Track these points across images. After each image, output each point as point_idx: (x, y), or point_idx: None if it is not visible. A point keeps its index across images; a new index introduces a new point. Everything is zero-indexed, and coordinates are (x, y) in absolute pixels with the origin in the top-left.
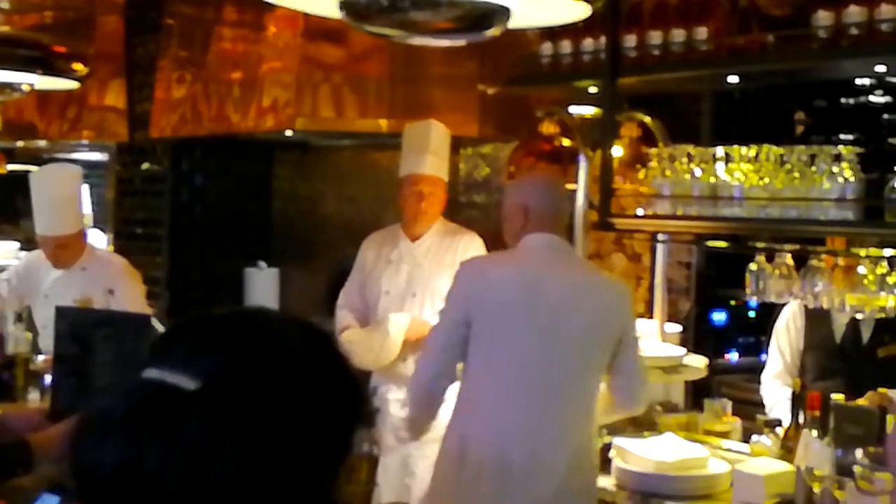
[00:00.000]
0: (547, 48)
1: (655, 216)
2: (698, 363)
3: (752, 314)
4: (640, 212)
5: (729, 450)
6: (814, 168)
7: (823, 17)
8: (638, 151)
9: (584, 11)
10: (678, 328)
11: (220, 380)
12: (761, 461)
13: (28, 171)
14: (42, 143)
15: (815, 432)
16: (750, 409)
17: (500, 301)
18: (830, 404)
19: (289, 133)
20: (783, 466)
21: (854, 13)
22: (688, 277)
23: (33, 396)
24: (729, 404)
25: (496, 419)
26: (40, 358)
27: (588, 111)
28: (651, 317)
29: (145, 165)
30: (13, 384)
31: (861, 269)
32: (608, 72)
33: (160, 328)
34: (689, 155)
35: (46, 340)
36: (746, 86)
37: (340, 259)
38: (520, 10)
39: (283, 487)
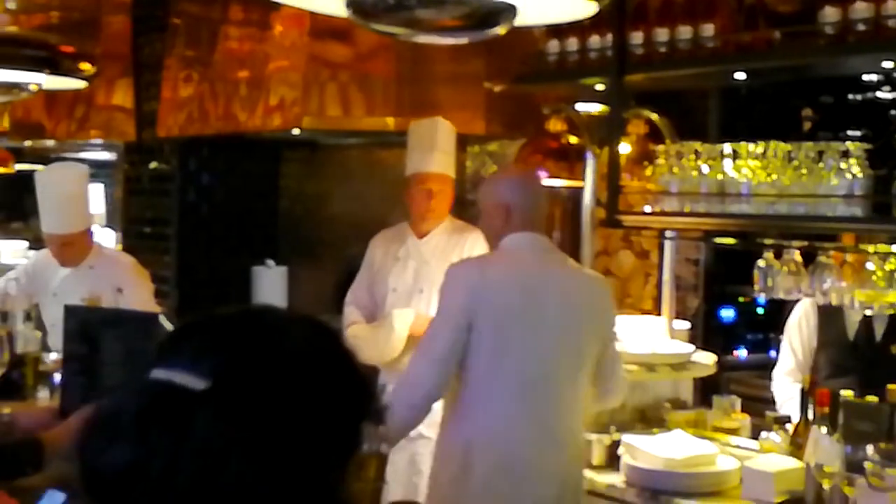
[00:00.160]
0: (553, 45)
1: (663, 213)
2: (707, 360)
3: (760, 311)
4: (647, 209)
5: (738, 446)
6: (821, 164)
7: (830, 14)
8: (645, 148)
9: (591, 9)
10: (686, 325)
11: (229, 379)
12: (770, 458)
13: (35, 172)
14: (50, 142)
15: (824, 429)
16: (759, 406)
17: (502, 304)
18: (840, 401)
19: (296, 132)
20: (792, 463)
21: (861, 9)
22: (696, 274)
23: (43, 395)
24: (738, 401)
25: (503, 423)
26: (50, 357)
27: (595, 108)
28: (659, 314)
29: (153, 165)
30: (23, 383)
31: (870, 266)
32: (615, 69)
33: (169, 327)
34: (696, 152)
35: (55, 339)
36: (753, 82)
37: (349, 257)
38: (526, 7)
39: (292, 486)
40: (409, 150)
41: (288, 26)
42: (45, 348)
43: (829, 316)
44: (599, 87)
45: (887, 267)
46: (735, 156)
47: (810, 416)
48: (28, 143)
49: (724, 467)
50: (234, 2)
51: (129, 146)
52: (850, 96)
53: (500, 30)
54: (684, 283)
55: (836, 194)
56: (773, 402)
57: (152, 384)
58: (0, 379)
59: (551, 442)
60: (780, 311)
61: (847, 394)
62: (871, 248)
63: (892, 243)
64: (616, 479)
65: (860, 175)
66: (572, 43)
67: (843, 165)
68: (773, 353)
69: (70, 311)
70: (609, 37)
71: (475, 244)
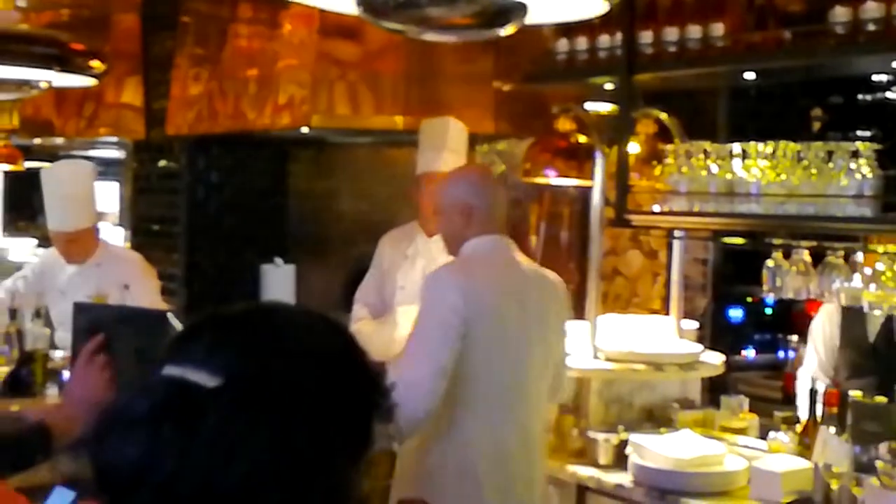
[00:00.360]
0: (563, 45)
1: (672, 213)
2: (715, 360)
3: (768, 311)
4: (656, 208)
5: (746, 446)
6: (831, 165)
7: (840, 13)
8: (654, 148)
9: (602, 7)
10: (695, 325)
11: (241, 376)
12: (779, 458)
13: (42, 168)
14: (59, 140)
15: (832, 429)
16: (767, 406)
17: (492, 308)
18: (848, 401)
19: (304, 130)
20: (801, 463)
21: (871, 9)
22: (704, 274)
23: (51, 392)
24: (746, 401)
25: (496, 427)
26: (58, 354)
27: (604, 108)
28: (667, 314)
29: (162, 163)
30: (31, 380)
31: (879, 266)
32: (624, 68)
33: (178, 325)
34: (705, 151)
35: (63, 336)
36: (763, 82)
37: (357, 256)
38: (536, 6)
39: (304, 483)
40: (420, 149)
41: (297, 25)
42: (54, 346)
43: (852, 317)
44: (609, 86)
45: None
46: (744, 156)
47: (819, 416)
48: (37, 140)
49: (732, 467)
50: (243, 0)
51: (138, 144)
52: (860, 96)
53: (510, 28)
54: (693, 282)
55: (845, 194)
56: (783, 402)
57: (164, 381)
58: (9, 376)
59: (532, 446)
60: (788, 311)
61: (856, 394)
62: (880, 249)
63: None
64: (624, 478)
65: (870, 175)
66: (581, 42)
67: (852, 166)
68: (781, 354)
69: (79, 308)
70: (618, 36)
71: None
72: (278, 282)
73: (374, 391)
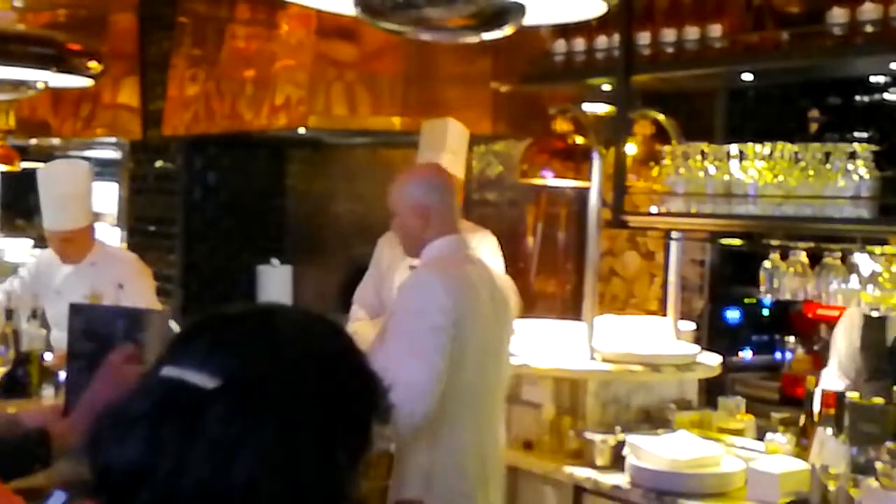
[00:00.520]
0: (560, 46)
1: (669, 214)
2: (712, 361)
3: (766, 312)
4: (653, 209)
5: (743, 447)
6: (828, 166)
7: (838, 15)
8: (651, 149)
9: (600, 8)
10: (692, 326)
11: (239, 377)
12: (776, 459)
13: (38, 168)
14: (56, 140)
15: (830, 430)
16: (764, 407)
17: (475, 308)
18: (845, 402)
19: (302, 131)
20: (798, 464)
21: (869, 10)
22: (701, 275)
23: (48, 393)
24: (743, 402)
25: (482, 426)
26: (46, 356)
27: (601, 109)
28: (665, 315)
29: (158, 163)
30: (28, 381)
31: (877, 267)
32: (622, 69)
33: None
34: (702, 153)
35: (59, 337)
36: (760, 83)
37: (354, 257)
38: (534, 7)
39: (303, 484)
40: (419, 149)
41: (294, 25)
42: (49, 347)
43: (873, 321)
44: (606, 87)
45: (894, 268)
46: (741, 157)
47: (816, 417)
48: (34, 141)
49: (730, 468)
50: (240, 1)
51: (134, 145)
52: (858, 97)
53: (508, 29)
54: (690, 284)
55: (842, 196)
56: (781, 403)
57: (163, 382)
58: (5, 377)
59: (502, 442)
60: (785, 312)
61: (853, 395)
62: (878, 250)
63: None
64: (621, 479)
65: (867, 176)
66: (579, 43)
67: (850, 167)
68: (778, 355)
69: (75, 309)
70: (616, 37)
71: (481, 244)
72: (275, 282)
73: (372, 392)
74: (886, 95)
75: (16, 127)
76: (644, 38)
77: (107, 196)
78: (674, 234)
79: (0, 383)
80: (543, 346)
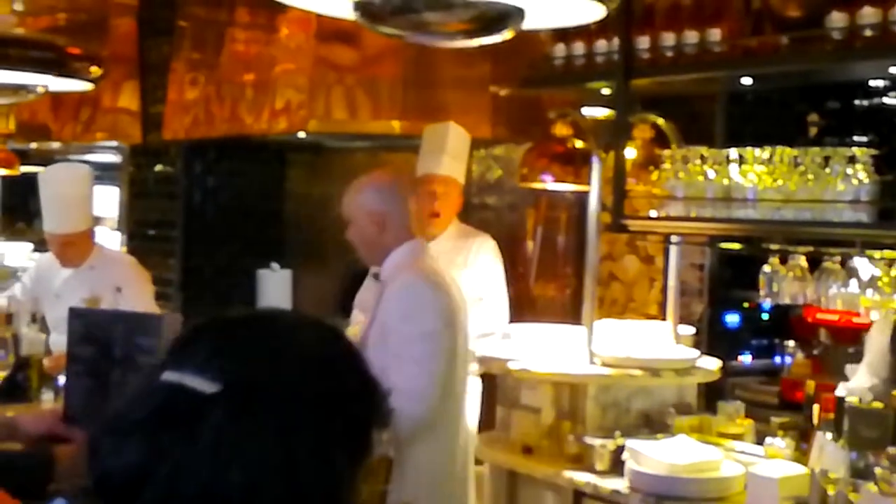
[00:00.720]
0: (559, 49)
1: (668, 218)
2: (711, 365)
3: (765, 316)
4: (653, 213)
5: (742, 452)
6: (828, 170)
7: (837, 19)
8: (651, 153)
9: (599, 12)
10: (691, 330)
11: (239, 382)
12: (775, 464)
13: (39, 171)
14: (56, 144)
15: (829, 435)
16: (764, 412)
17: (458, 312)
18: (845, 407)
19: (302, 135)
20: (797, 469)
21: (868, 14)
22: (701, 279)
23: (47, 397)
24: (742, 406)
25: (465, 426)
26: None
27: (601, 113)
28: (664, 319)
29: (158, 167)
30: (27, 385)
31: (876, 272)
32: (621, 73)
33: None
34: (702, 157)
35: (58, 340)
36: (760, 87)
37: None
38: (533, 11)
39: (303, 489)
40: (420, 152)
41: (294, 29)
42: (49, 350)
43: None
44: (606, 91)
45: (893, 273)
46: (741, 161)
47: (815, 421)
48: (34, 145)
49: (729, 473)
50: (240, 4)
51: (134, 148)
52: (857, 102)
53: (507, 33)
54: (689, 288)
55: (842, 200)
56: (780, 407)
57: (163, 387)
58: (5, 381)
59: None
60: (785, 316)
61: (852, 399)
62: (877, 254)
63: None
64: (620, 484)
65: (866, 181)
66: (578, 47)
67: (849, 171)
68: (777, 359)
69: (74, 313)
70: (615, 41)
71: (481, 248)
72: (275, 286)
73: (371, 396)
74: (886, 99)
75: (16, 131)
76: (643, 42)
77: (107, 200)
78: (673, 238)
79: (0, 388)
80: (543, 350)
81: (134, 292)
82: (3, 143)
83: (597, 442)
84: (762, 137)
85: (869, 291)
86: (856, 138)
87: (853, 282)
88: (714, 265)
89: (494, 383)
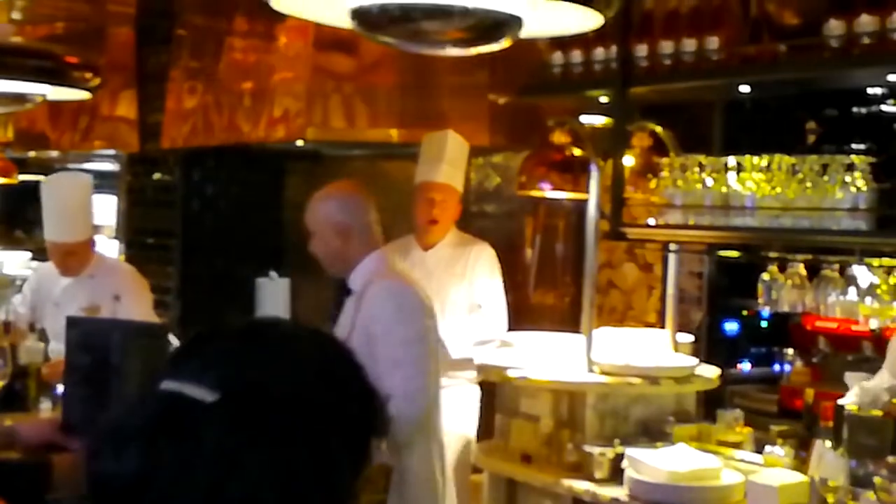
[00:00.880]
0: (558, 58)
1: (667, 226)
2: (710, 373)
3: (764, 324)
4: (651, 221)
5: (742, 460)
6: (826, 178)
7: (835, 27)
8: (649, 161)
9: (597, 21)
10: (690, 338)
11: (238, 391)
12: (775, 472)
13: (39, 182)
14: (54, 153)
15: (828, 443)
16: (763, 420)
17: (435, 317)
18: (844, 415)
19: (300, 143)
20: (797, 477)
21: (866, 22)
22: (700, 287)
23: (45, 406)
24: (741, 415)
25: (438, 432)
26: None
27: (599, 121)
28: (663, 327)
29: (157, 175)
30: (25, 394)
31: (875, 279)
32: (619, 81)
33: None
34: (700, 165)
35: (57, 349)
36: (758, 95)
37: None
38: (531, 19)
39: (301, 496)
40: (419, 161)
41: (292, 38)
42: (48, 359)
43: None
44: (604, 99)
45: (892, 280)
46: (739, 169)
47: (815, 430)
48: (32, 153)
49: (729, 481)
50: (239, 13)
51: (132, 157)
52: (855, 109)
53: (506, 42)
54: (688, 295)
55: (840, 207)
56: (779, 415)
57: (162, 395)
58: (3, 390)
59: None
60: (784, 324)
61: (851, 408)
62: (875, 262)
63: None
64: (620, 492)
65: (864, 188)
66: (577, 55)
67: (847, 179)
68: (776, 367)
69: (72, 322)
70: (614, 49)
71: (479, 256)
72: (273, 295)
73: (370, 404)
74: (884, 107)
75: (14, 139)
76: (642, 50)
77: (105, 208)
78: (672, 246)
79: None
80: (541, 358)
81: (132, 301)
82: (1, 151)
83: (596, 450)
84: (760, 145)
85: (868, 299)
86: (854, 146)
87: (852, 289)
88: (713, 273)
89: (493, 391)
